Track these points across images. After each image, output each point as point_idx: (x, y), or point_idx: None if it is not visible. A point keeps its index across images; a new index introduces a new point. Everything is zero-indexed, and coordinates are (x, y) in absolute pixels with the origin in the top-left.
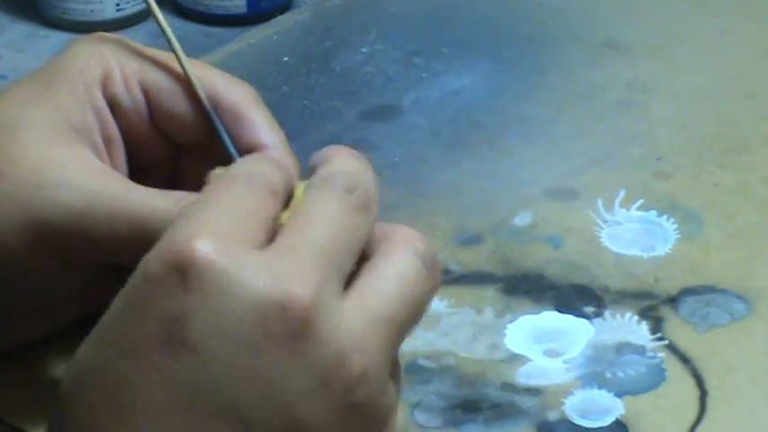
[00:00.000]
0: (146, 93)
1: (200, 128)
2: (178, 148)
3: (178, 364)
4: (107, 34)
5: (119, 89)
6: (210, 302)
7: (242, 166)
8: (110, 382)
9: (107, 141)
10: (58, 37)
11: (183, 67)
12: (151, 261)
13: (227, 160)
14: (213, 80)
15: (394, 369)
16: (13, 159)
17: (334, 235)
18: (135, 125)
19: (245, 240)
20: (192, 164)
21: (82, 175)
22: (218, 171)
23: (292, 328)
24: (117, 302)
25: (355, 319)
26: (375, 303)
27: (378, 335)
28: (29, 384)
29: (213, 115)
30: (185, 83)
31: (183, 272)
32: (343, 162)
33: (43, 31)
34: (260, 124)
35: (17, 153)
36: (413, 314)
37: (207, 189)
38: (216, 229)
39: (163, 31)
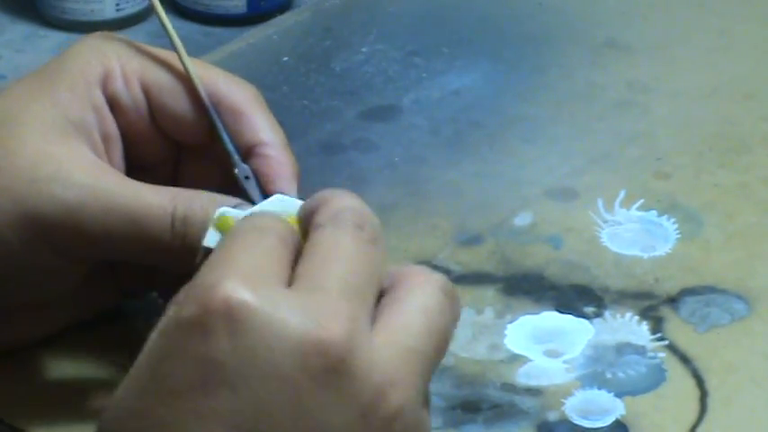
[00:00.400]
0: (146, 91)
1: (200, 127)
2: (179, 149)
3: (218, 405)
4: (109, 33)
5: (119, 87)
6: (247, 342)
7: (250, 220)
8: (151, 426)
9: (105, 139)
10: (58, 37)
11: (183, 64)
12: (184, 305)
13: (227, 161)
14: (215, 79)
15: (425, 401)
16: (9, 153)
17: (355, 271)
18: (135, 124)
19: (271, 279)
20: (193, 165)
21: (77, 170)
22: (230, 222)
23: (331, 364)
24: (152, 346)
25: (387, 353)
26: (404, 337)
27: (411, 368)
28: (29, 385)
29: (213, 113)
30: (186, 81)
31: (218, 314)
32: (345, 199)
33: (43, 31)
34: (260, 123)
35: (14, 147)
36: (440, 345)
37: (224, 240)
38: (243, 272)
39: (165, 29)
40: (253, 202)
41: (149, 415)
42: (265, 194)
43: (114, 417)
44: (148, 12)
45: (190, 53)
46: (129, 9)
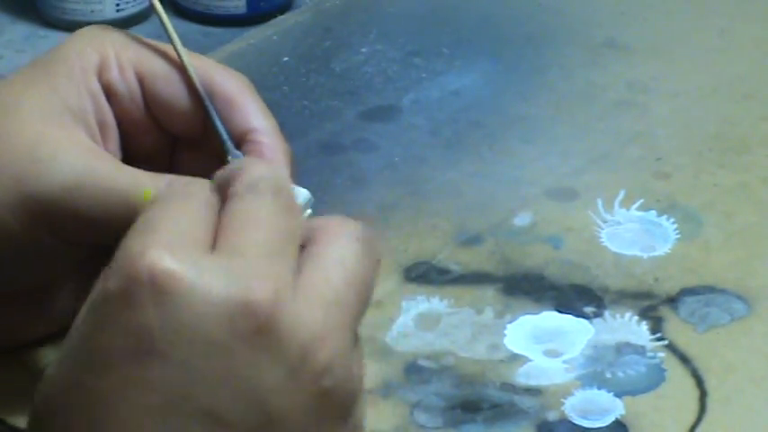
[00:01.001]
0: (141, 80)
1: (194, 117)
2: (173, 141)
3: (149, 373)
4: (106, 25)
5: (114, 76)
6: (174, 310)
7: (173, 185)
8: (82, 398)
9: (102, 126)
10: (58, 37)
11: (177, 52)
12: (110, 277)
13: (221, 152)
14: (208, 69)
15: (356, 350)
16: (7, 135)
17: (274, 234)
18: (129, 113)
19: (195, 246)
20: (187, 157)
21: (75, 153)
22: (151, 192)
23: (258, 324)
24: (82, 319)
25: (311, 309)
26: (325, 291)
27: (334, 320)
28: (29, 385)
29: (207, 101)
30: (181, 71)
31: (143, 284)
32: (260, 169)
33: (43, 31)
34: (252, 110)
35: (13, 130)
36: (362, 295)
37: (146, 208)
38: (166, 240)
39: (159, 17)
40: None
41: (82, 387)
42: None
43: (48, 392)
44: (148, 12)
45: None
46: (130, 9)
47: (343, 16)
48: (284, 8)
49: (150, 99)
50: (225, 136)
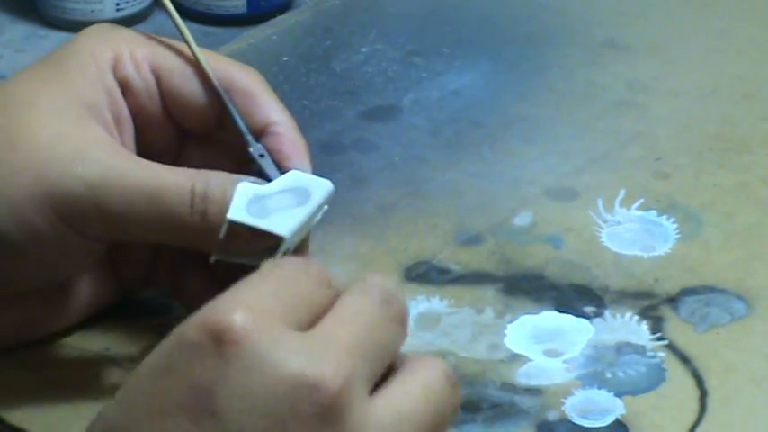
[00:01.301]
0: (157, 76)
1: (210, 112)
2: (184, 137)
3: (202, 431)
4: (115, 24)
5: (130, 71)
6: (241, 375)
7: (300, 259)
8: None
9: (117, 121)
10: (58, 37)
11: (191, 48)
12: (189, 327)
13: (231, 149)
14: (225, 64)
15: None
16: (27, 133)
17: (369, 335)
18: (145, 108)
19: (285, 320)
20: (196, 153)
21: (95, 150)
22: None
23: (321, 411)
24: (149, 363)
25: (383, 415)
26: (401, 403)
27: None
28: (29, 383)
29: (224, 95)
30: (196, 66)
31: (219, 341)
32: (377, 279)
33: (43, 31)
34: (271, 104)
35: (31, 127)
36: (436, 424)
37: (261, 269)
38: (258, 305)
39: (171, 17)
40: (268, 180)
41: (133, 430)
42: (280, 171)
43: (101, 425)
44: (148, 12)
45: None
46: (129, 9)
47: (343, 16)
48: (284, 8)
49: (166, 94)
50: (244, 128)
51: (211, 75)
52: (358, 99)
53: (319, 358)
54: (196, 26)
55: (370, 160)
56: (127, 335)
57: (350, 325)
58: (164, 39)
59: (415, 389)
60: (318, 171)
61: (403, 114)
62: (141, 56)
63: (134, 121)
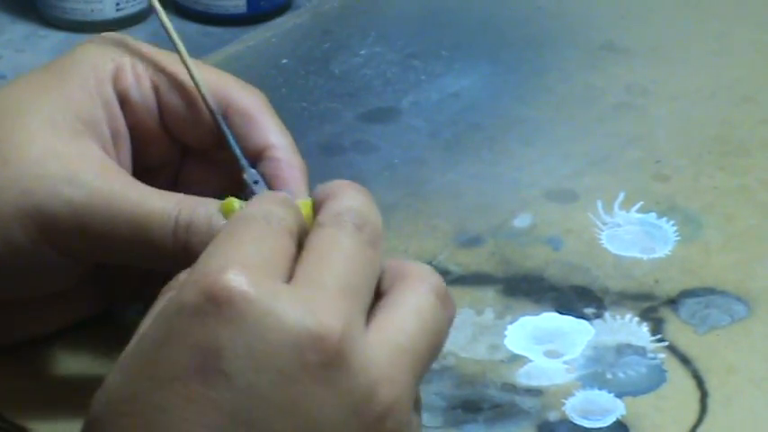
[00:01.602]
0: (156, 90)
1: (207, 130)
2: (182, 152)
3: (214, 392)
4: (116, 35)
5: (130, 84)
6: (246, 332)
7: (259, 205)
8: (144, 410)
9: (114, 136)
10: (58, 37)
11: (186, 66)
12: (186, 291)
13: (230, 166)
14: (226, 83)
15: (416, 401)
16: (17, 146)
17: (353, 270)
18: (143, 122)
19: (272, 273)
20: (195, 168)
21: (85, 170)
22: (235, 205)
23: (326, 358)
24: (149, 331)
25: (381, 351)
26: (397, 336)
27: (403, 366)
28: (30, 382)
29: (220, 119)
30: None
31: (219, 302)
32: (350, 198)
33: (43, 31)
34: (270, 126)
35: (21, 141)
36: (433, 346)
37: (229, 225)
38: (246, 262)
39: (169, 36)
40: None
41: (142, 399)
42: None
43: (105, 401)
44: (148, 12)
45: (189, 53)
46: (129, 9)
47: (341, 18)
48: (284, 8)
49: (165, 109)
50: (239, 152)
51: (208, 97)
52: (357, 101)
53: (316, 307)
54: (196, 26)
55: (370, 162)
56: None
57: (331, 265)
58: (165, 52)
59: (408, 318)
60: (318, 173)
61: (402, 116)
62: (142, 69)
63: (132, 135)
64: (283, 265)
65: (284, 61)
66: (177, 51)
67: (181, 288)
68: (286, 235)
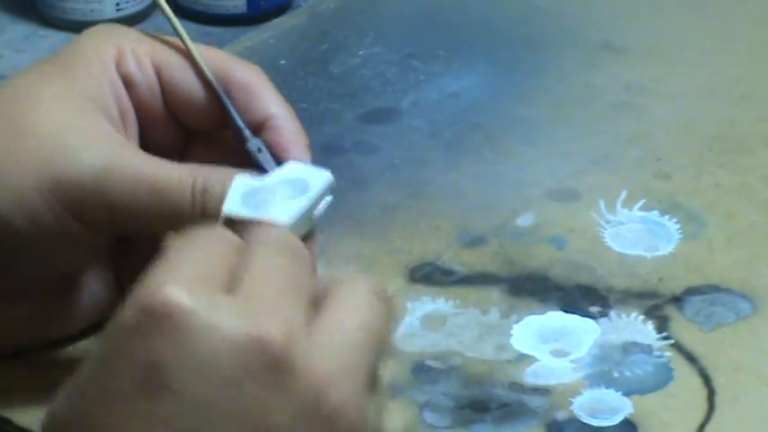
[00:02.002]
0: (158, 72)
1: (211, 111)
2: (187, 136)
3: (159, 408)
4: (114, 24)
5: (132, 67)
6: (186, 346)
7: (200, 228)
8: (90, 429)
9: (122, 116)
10: (58, 37)
11: (185, 43)
12: (126, 310)
13: (235, 148)
14: (225, 59)
15: (373, 396)
16: (33, 121)
17: (288, 281)
18: (148, 103)
19: (212, 285)
20: (200, 151)
21: (101, 141)
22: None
23: (271, 363)
24: (94, 353)
25: (325, 352)
26: (340, 336)
27: (350, 366)
28: (34, 385)
29: (219, 89)
30: (194, 63)
31: (157, 317)
32: (268, 231)
33: (43, 31)
34: (270, 97)
35: (37, 115)
36: (377, 343)
37: (173, 243)
38: (185, 276)
39: (164, 14)
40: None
41: (89, 421)
42: (279, 163)
43: (53, 422)
44: (148, 11)
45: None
46: (130, 9)
47: (339, 19)
48: (284, 8)
49: (168, 90)
50: (241, 123)
51: (206, 69)
52: (357, 102)
53: (257, 314)
54: (195, 26)
55: (371, 162)
56: None
57: (269, 277)
58: (165, 36)
59: (348, 317)
60: None
61: (402, 117)
62: (143, 52)
63: (137, 117)
64: (222, 278)
65: (282, 62)
66: (173, 27)
67: (122, 308)
68: (227, 245)
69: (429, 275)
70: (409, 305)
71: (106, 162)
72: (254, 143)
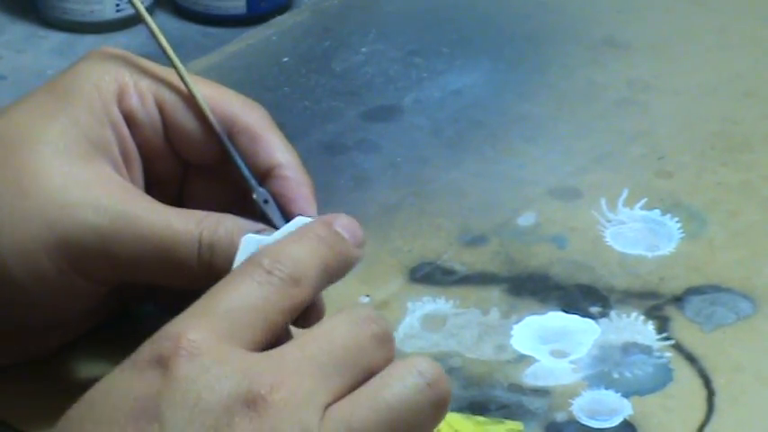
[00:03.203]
0: (161, 109)
1: (212, 147)
2: (186, 168)
3: None
4: (115, 50)
5: (134, 103)
6: (184, 388)
7: (264, 257)
8: None
9: (125, 156)
10: (58, 37)
11: (188, 87)
12: (144, 347)
13: (234, 180)
14: (229, 101)
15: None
16: (35, 176)
17: (332, 352)
18: (150, 140)
19: (235, 339)
20: (199, 183)
21: (106, 195)
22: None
23: (258, 424)
24: (107, 379)
25: (327, 425)
26: (352, 417)
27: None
28: (33, 388)
29: (225, 140)
30: (197, 107)
31: (166, 361)
32: (366, 308)
33: (43, 32)
34: (276, 144)
35: (39, 170)
36: None
37: (223, 280)
38: (206, 325)
39: (167, 57)
40: (274, 227)
41: None
42: (285, 216)
43: None
44: (148, 12)
45: (189, 54)
46: (129, 9)
47: (341, 16)
48: (284, 8)
49: (169, 127)
50: (247, 173)
51: (211, 116)
52: (359, 99)
53: (259, 377)
54: (196, 26)
55: (373, 161)
56: (131, 340)
57: (313, 344)
58: (166, 69)
59: (371, 397)
60: (321, 172)
61: (404, 114)
62: (145, 87)
63: (139, 153)
64: (264, 332)
65: (285, 60)
66: (180, 76)
67: (143, 344)
68: (283, 290)
69: (429, 275)
70: (409, 305)
71: (111, 219)
72: (260, 194)
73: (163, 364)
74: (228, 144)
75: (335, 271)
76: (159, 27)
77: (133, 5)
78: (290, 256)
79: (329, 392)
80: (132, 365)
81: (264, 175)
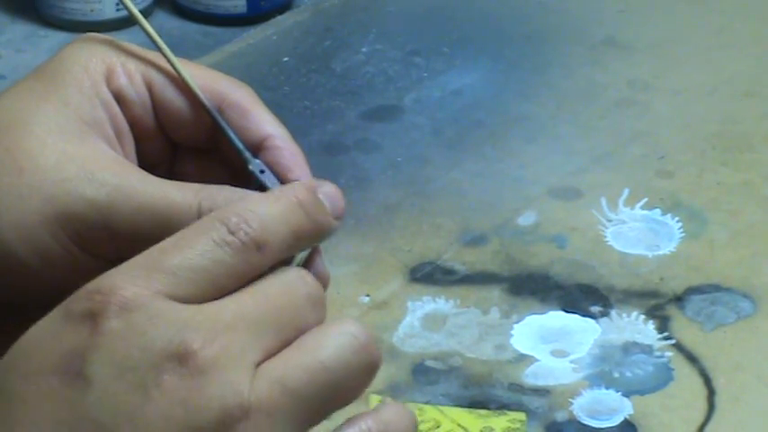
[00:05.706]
0: (150, 88)
1: (202, 126)
2: (175, 150)
3: (70, 392)
4: (100, 35)
5: (123, 83)
6: (112, 344)
7: (232, 214)
8: (5, 396)
9: (118, 135)
10: (58, 37)
11: (174, 66)
12: (74, 298)
13: (224, 160)
14: (217, 79)
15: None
16: (30, 155)
17: (267, 310)
18: (140, 119)
19: (171, 292)
20: (189, 164)
21: (102, 169)
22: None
23: (187, 378)
24: (33, 330)
25: (259, 388)
26: (286, 374)
27: (279, 407)
28: None
29: (216, 115)
30: (186, 85)
31: (96, 314)
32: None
33: (43, 31)
34: (264, 118)
35: (33, 148)
36: (330, 396)
37: (179, 233)
38: (142, 277)
39: (150, 37)
40: None
41: (8, 388)
42: (282, 183)
43: None
44: (148, 12)
45: (189, 54)
46: None
47: (342, 16)
48: (284, 8)
49: (159, 107)
50: (241, 146)
51: (200, 93)
52: (359, 99)
53: (192, 332)
54: (196, 26)
55: (373, 161)
56: None
57: (249, 300)
58: (153, 52)
59: (305, 357)
60: (321, 172)
61: (404, 114)
62: (133, 67)
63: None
64: (206, 285)
65: (285, 59)
66: (164, 54)
67: (73, 295)
68: (241, 251)
69: (430, 275)
70: (410, 305)
71: (108, 192)
72: (255, 164)
73: (92, 318)
74: (219, 117)
75: (307, 239)
76: (156, 29)
77: None
78: (260, 218)
79: (262, 350)
80: (63, 316)
81: (257, 148)
